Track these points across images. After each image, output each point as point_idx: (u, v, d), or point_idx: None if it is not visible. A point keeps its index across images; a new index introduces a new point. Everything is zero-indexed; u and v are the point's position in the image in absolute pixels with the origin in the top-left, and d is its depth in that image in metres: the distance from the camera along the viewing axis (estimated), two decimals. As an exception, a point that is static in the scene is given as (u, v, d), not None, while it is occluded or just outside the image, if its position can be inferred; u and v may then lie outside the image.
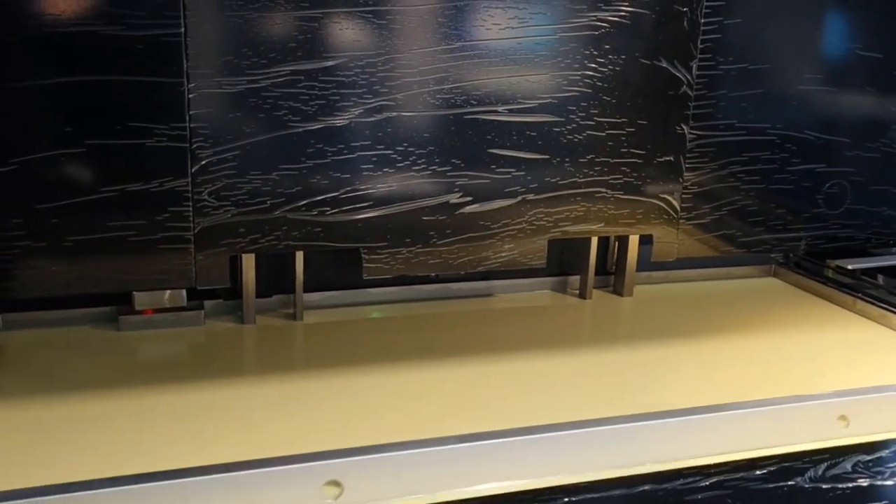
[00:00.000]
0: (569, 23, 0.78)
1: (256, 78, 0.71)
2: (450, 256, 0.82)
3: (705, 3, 0.82)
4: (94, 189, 0.69)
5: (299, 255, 0.83)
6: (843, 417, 0.67)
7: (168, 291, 0.81)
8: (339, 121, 0.74)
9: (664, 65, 0.83)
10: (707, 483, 0.54)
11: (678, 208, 0.89)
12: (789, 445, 0.62)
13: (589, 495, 0.59)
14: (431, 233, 0.80)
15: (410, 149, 0.77)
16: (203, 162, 0.71)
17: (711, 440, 0.61)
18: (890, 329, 0.89)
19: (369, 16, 0.72)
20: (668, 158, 0.86)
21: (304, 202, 0.75)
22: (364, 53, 0.73)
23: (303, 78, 0.72)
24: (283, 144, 0.73)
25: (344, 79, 0.73)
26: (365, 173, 0.76)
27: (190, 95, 0.69)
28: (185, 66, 0.68)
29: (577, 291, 0.97)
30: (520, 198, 0.82)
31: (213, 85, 0.70)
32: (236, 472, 0.55)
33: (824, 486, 0.53)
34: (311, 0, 0.70)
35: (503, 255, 0.83)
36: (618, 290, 0.98)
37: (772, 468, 0.55)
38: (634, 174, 0.85)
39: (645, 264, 0.96)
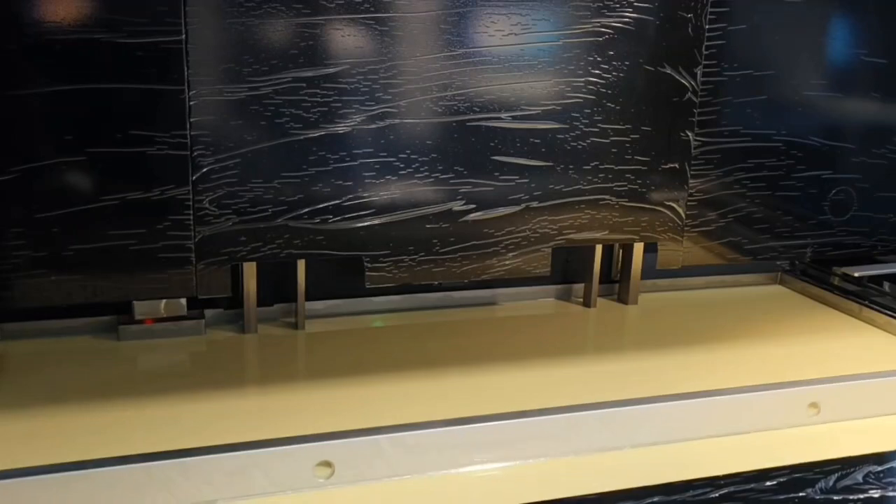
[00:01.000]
0: (572, 29, 0.77)
1: (258, 85, 0.70)
2: (453, 265, 0.81)
3: (710, 10, 0.82)
4: (94, 197, 0.68)
5: (301, 264, 0.82)
6: (813, 405, 0.71)
7: (168, 301, 0.80)
8: (342, 128, 0.73)
9: (669, 71, 0.82)
10: (717, 495, 0.54)
11: (683, 215, 0.88)
12: (763, 431, 0.68)
13: (596, 508, 0.59)
14: (434, 241, 0.79)
15: (413, 156, 0.76)
16: (204, 170, 0.70)
17: (686, 424, 0.66)
18: (896, 337, 0.88)
19: (371, 22, 0.72)
20: (672, 165, 0.86)
21: (306, 210, 0.75)
22: (366, 60, 0.72)
23: (304, 85, 0.71)
24: (284, 152, 0.72)
25: (346, 86, 0.72)
26: (367, 181, 0.76)
27: (191, 103, 0.68)
28: (185, 73, 0.68)
29: (582, 300, 0.96)
30: (524, 205, 0.81)
31: (215, 92, 0.69)
32: (232, 452, 0.57)
33: (836, 498, 0.53)
34: (313, 6, 0.70)
35: (507, 263, 0.83)
36: (622, 299, 0.97)
37: (782, 479, 0.54)
38: (639, 181, 0.85)
39: (650, 272, 0.95)
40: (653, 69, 0.81)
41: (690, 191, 0.88)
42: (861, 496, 0.54)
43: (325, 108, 0.72)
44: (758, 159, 0.89)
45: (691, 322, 0.92)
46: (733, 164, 0.88)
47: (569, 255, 0.94)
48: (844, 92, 0.90)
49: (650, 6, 0.79)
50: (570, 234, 0.84)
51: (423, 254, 0.79)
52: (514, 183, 0.80)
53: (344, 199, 0.75)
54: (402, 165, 0.76)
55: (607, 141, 0.82)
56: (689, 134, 0.85)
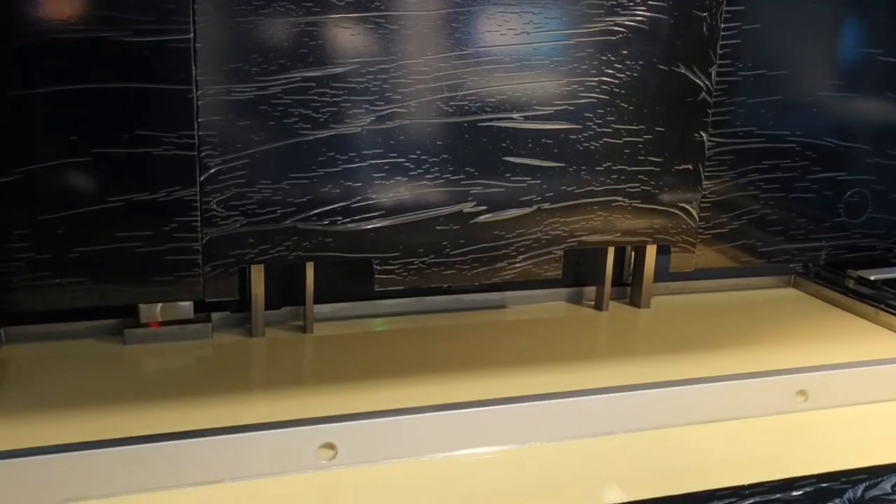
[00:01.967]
0: (585, 28, 0.76)
1: (266, 85, 0.69)
2: (463, 267, 0.80)
3: (725, 9, 0.80)
4: (99, 199, 0.67)
5: (310, 266, 0.81)
6: (801, 392, 0.73)
7: (175, 304, 0.79)
8: (351, 128, 0.72)
9: (683, 71, 0.81)
10: (742, 504, 0.52)
11: (697, 217, 0.87)
12: (751, 418, 0.70)
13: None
14: (445, 243, 0.78)
15: (423, 157, 0.75)
16: (212, 171, 0.69)
17: (676, 411, 0.69)
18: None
19: (382, 21, 0.71)
20: (686, 166, 0.84)
21: (315, 212, 0.73)
22: (376, 59, 0.71)
23: (314, 84, 0.70)
24: (293, 153, 0.71)
25: (356, 85, 0.71)
26: (377, 182, 0.74)
27: (199, 102, 0.67)
28: (193, 72, 0.67)
29: (593, 303, 0.95)
30: (535, 207, 0.80)
31: (223, 92, 0.68)
32: (237, 434, 0.59)
33: (863, 508, 0.52)
34: (323, 5, 0.69)
35: (518, 265, 0.81)
36: (635, 302, 0.96)
37: (808, 489, 0.53)
38: (652, 183, 0.83)
39: (662, 275, 0.94)
40: (667, 69, 0.80)
41: (704, 192, 0.86)
42: (888, 505, 0.53)
43: (335, 108, 0.71)
44: (772, 160, 0.88)
45: (704, 326, 0.90)
46: (747, 166, 0.87)
47: (580, 258, 0.93)
48: (859, 92, 0.89)
49: (664, 5, 0.78)
50: (581, 236, 0.83)
51: (432, 256, 0.78)
52: (525, 184, 0.79)
53: (353, 200, 0.74)
54: (411, 166, 0.75)
55: (620, 141, 0.81)
56: (703, 134, 0.84)
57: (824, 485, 0.53)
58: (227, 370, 0.75)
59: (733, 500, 0.52)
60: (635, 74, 0.79)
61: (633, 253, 0.96)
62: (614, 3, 0.76)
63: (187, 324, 0.80)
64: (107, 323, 0.80)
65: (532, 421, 0.66)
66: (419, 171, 0.75)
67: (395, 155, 0.74)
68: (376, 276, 0.77)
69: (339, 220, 0.74)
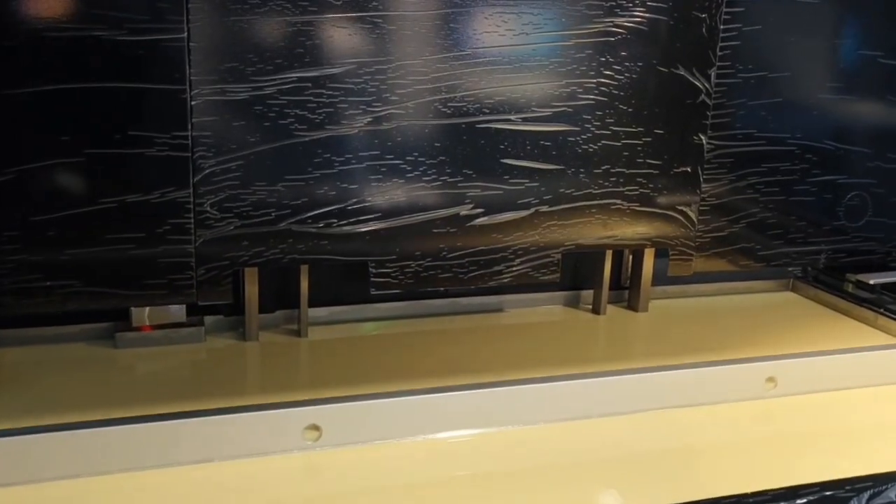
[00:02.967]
0: (584, 29, 0.76)
1: (261, 85, 0.68)
2: (460, 271, 0.79)
3: (724, 10, 0.80)
4: (91, 200, 0.66)
5: (304, 269, 0.80)
6: (770, 379, 0.77)
7: (167, 307, 0.78)
8: (347, 130, 0.71)
9: (682, 72, 0.80)
10: (745, 513, 0.52)
11: (695, 221, 0.86)
12: (720, 403, 0.74)
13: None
14: (441, 246, 0.77)
15: (420, 159, 0.74)
16: (205, 172, 0.68)
17: (650, 395, 0.73)
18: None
19: (379, 20, 0.70)
20: (685, 169, 0.84)
21: (311, 214, 0.72)
22: (373, 60, 0.70)
23: (310, 85, 0.69)
24: (288, 154, 0.70)
25: (352, 86, 0.70)
26: (373, 184, 0.73)
27: (192, 103, 0.66)
28: (187, 72, 0.66)
29: (591, 306, 0.94)
30: (533, 210, 0.79)
31: (217, 92, 0.67)
32: (226, 415, 0.62)
33: (867, 515, 0.51)
34: (319, 4, 0.68)
35: (515, 269, 0.81)
36: (632, 306, 0.95)
37: (812, 497, 0.52)
38: (651, 185, 0.83)
39: (660, 278, 0.93)
40: (666, 70, 0.79)
41: (703, 195, 0.86)
42: (892, 513, 0.52)
43: (331, 109, 0.70)
44: (772, 163, 0.87)
45: (703, 330, 0.90)
46: (747, 169, 0.87)
47: (578, 261, 0.92)
48: (860, 95, 0.89)
49: (664, 6, 0.77)
50: (579, 239, 0.82)
51: (429, 259, 0.77)
52: (523, 187, 0.78)
53: (349, 202, 0.73)
54: (408, 168, 0.74)
55: (619, 144, 0.80)
56: (703, 137, 0.83)
57: (828, 493, 0.52)
58: (219, 374, 0.74)
59: (736, 508, 0.51)
60: (634, 76, 0.78)
61: (631, 256, 0.95)
62: (613, 3, 0.76)
63: (180, 327, 0.79)
64: (98, 326, 0.79)
65: (510, 405, 0.69)
66: (416, 173, 0.74)
67: (391, 157, 0.73)
68: (372, 279, 0.76)
69: (334, 223, 0.73)
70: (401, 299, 0.88)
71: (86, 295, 0.68)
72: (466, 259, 0.79)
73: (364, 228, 0.74)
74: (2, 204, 0.64)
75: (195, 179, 0.68)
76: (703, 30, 0.80)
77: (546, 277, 0.82)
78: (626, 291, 0.96)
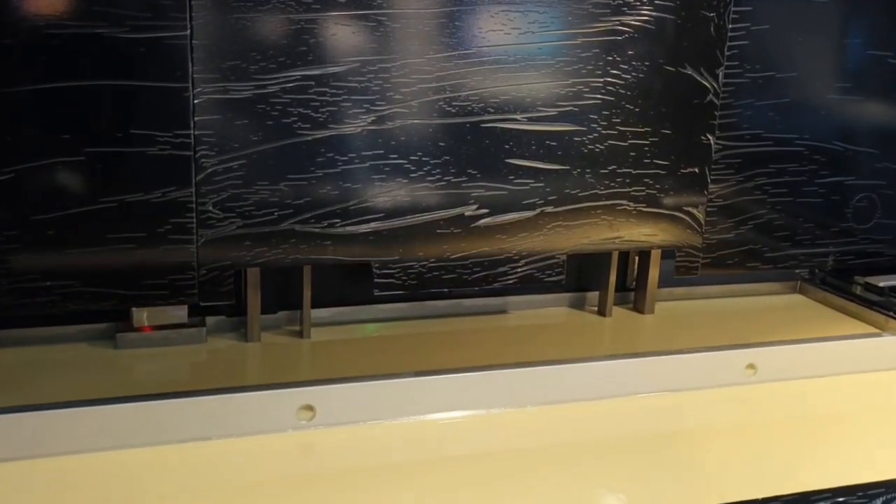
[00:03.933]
0: (591, 27, 0.75)
1: (265, 83, 0.67)
2: (464, 272, 0.78)
3: (732, 9, 0.79)
4: (92, 199, 0.66)
5: (307, 270, 0.80)
6: (751, 366, 0.78)
7: (168, 308, 0.77)
8: (351, 129, 0.71)
9: (689, 72, 0.79)
10: (756, 519, 0.51)
11: (702, 222, 0.85)
12: (701, 390, 0.76)
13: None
14: (445, 247, 0.77)
15: (425, 158, 0.74)
16: (208, 171, 0.68)
17: (633, 381, 0.75)
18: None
19: (383, 19, 0.69)
20: (692, 170, 0.83)
21: (313, 214, 0.72)
22: (377, 58, 0.70)
23: (313, 83, 0.68)
24: (291, 153, 0.70)
25: (356, 85, 0.70)
26: (377, 184, 0.73)
27: (195, 101, 0.66)
28: (190, 70, 0.65)
29: (596, 308, 0.93)
30: (538, 210, 0.78)
31: (220, 90, 0.66)
32: (217, 395, 0.64)
33: (879, 522, 0.50)
34: (323, 2, 0.67)
35: (520, 270, 0.80)
36: (638, 308, 0.94)
37: (824, 503, 0.51)
38: (657, 186, 0.82)
39: (667, 280, 0.92)
40: (673, 70, 0.79)
41: (710, 196, 0.85)
42: (904, 519, 0.51)
43: (335, 108, 0.70)
44: (779, 164, 0.86)
45: (709, 332, 0.89)
46: (754, 169, 0.86)
47: (583, 262, 0.91)
48: (869, 95, 0.88)
49: (671, 4, 0.76)
50: (585, 240, 0.81)
51: (433, 260, 0.77)
52: (528, 187, 0.77)
53: (352, 202, 0.73)
54: (412, 168, 0.73)
55: (625, 144, 0.79)
56: (710, 137, 0.83)
57: (840, 499, 0.51)
58: (221, 376, 0.74)
59: (747, 514, 0.51)
60: (641, 75, 0.77)
61: (636, 257, 0.94)
62: (620, 2, 0.75)
63: (181, 328, 0.78)
64: (98, 327, 0.78)
65: (501, 388, 0.71)
66: (420, 172, 0.74)
67: (395, 156, 0.73)
68: (375, 280, 0.75)
69: (337, 223, 0.73)
70: (404, 300, 0.87)
71: (86, 295, 0.68)
72: (470, 260, 0.78)
73: (367, 228, 0.74)
74: (1, 203, 0.64)
75: (197, 179, 0.68)
76: (711, 29, 0.79)
77: (551, 279, 0.81)
78: (632, 293, 0.95)
